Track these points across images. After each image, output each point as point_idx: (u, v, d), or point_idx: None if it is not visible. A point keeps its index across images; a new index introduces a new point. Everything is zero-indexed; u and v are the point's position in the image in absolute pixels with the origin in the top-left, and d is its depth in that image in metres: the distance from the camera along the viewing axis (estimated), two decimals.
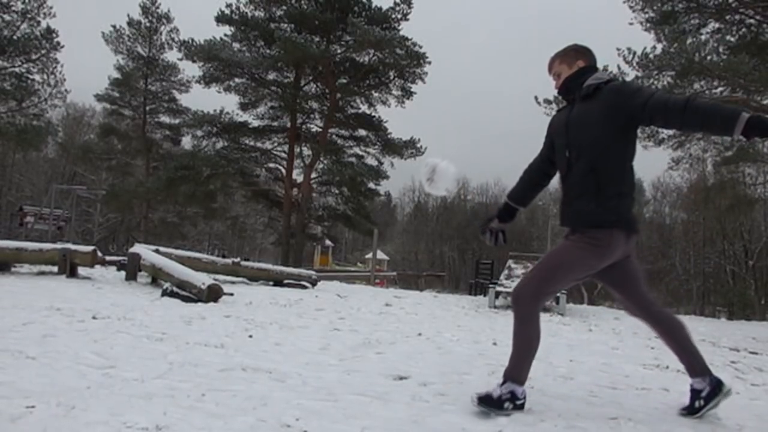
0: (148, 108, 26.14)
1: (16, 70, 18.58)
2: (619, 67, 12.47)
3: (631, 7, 12.61)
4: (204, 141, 22.85)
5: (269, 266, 9.87)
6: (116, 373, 2.54)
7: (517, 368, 2.34)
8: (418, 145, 22.03)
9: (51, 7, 18.51)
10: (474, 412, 2.24)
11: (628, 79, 12.42)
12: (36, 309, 4.30)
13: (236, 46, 21.62)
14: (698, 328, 7.13)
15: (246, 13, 21.58)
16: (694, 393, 2.40)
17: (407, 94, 22.17)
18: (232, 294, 6.13)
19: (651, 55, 12.03)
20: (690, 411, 2.40)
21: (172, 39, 24.95)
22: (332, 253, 38.65)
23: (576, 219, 2.34)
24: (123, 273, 7.72)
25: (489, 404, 2.23)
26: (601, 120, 2.28)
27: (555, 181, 2.65)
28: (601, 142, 2.27)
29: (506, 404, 2.26)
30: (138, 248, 7.77)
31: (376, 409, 2.25)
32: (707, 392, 2.35)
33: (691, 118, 2.11)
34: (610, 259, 2.32)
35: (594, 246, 2.28)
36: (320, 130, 22.84)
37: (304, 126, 23.31)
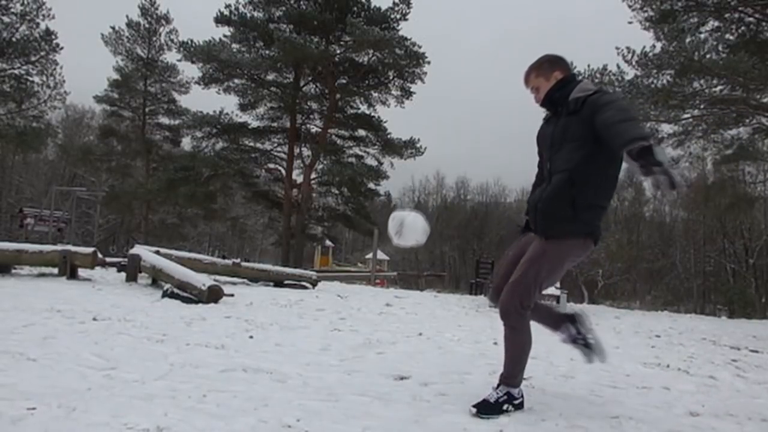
0: (147, 109, 26.13)
1: (16, 71, 18.55)
2: (618, 66, 12.49)
3: (630, 6, 12.61)
4: (204, 142, 22.87)
5: (269, 267, 9.87)
6: (117, 374, 2.54)
7: (513, 373, 2.35)
8: (418, 145, 22.05)
9: (50, 9, 18.50)
10: (474, 414, 2.24)
11: (627, 78, 12.44)
12: (36, 311, 4.30)
13: (235, 46, 21.62)
14: (699, 326, 7.13)
15: (245, 13, 21.59)
16: (574, 339, 2.54)
17: (407, 94, 22.18)
18: (232, 295, 6.14)
19: (650, 54, 12.02)
20: (586, 344, 2.57)
21: (172, 40, 24.96)
22: (332, 254, 38.60)
23: (553, 228, 2.29)
24: (123, 274, 7.72)
25: (488, 410, 2.24)
26: (582, 134, 2.25)
27: None
28: (582, 156, 2.24)
29: (505, 406, 2.27)
30: (138, 249, 7.77)
31: (377, 409, 2.25)
32: (578, 328, 2.55)
33: (611, 141, 2.05)
34: (577, 262, 2.46)
35: (571, 249, 2.32)
36: (320, 130, 22.84)
37: (303, 126, 23.31)
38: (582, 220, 2.27)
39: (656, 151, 1.85)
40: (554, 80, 2.39)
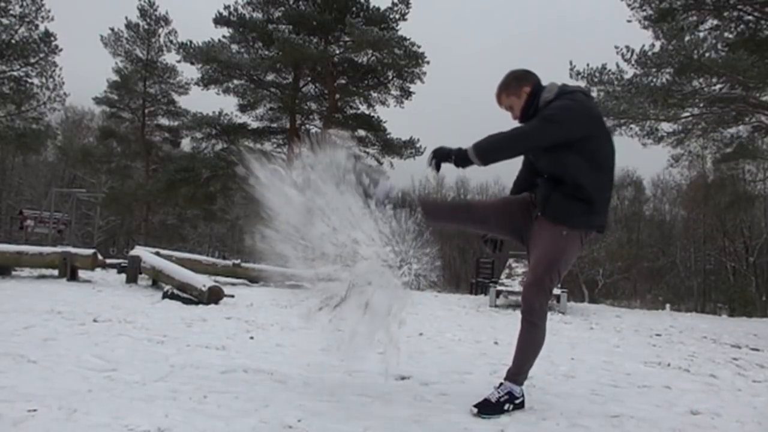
0: (147, 110, 26.14)
1: (15, 73, 18.56)
2: (617, 65, 12.50)
3: (629, 5, 12.63)
4: (203, 143, 22.87)
5: (270, 267, 9.87)
6: (118, 375, 2.54)
7: (521, 370, 2.37)
8: (418, 145, 22.03)
9: (49, 11, 18.50)
10: (475, 414, 2.24)
11: (627, 77, 12.45)
12: (37, 312, 4.30)
13: (235, 47, 21.63)
14: (699, 325, 7.13)
15: (244, 14, 21.59)
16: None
17: (406, 94, 22.18)
18: (232, 296, 6.14)
19: (649, 53, 12.04)
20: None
21: (171, 41, 24.95)
22: None
23: (559, 219, 2.32)
24: (123, 276, 7.73)
25: (489, 410, 2.24)
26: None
27: None
28: (572, 159, 2.26)
29: (506, 406, 2.27)
30: (138, 251, 7.78)
31: (378, 409, 2.25)
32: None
33: None
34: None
35: (580, 238, 2.36)
36: (319, 130, 22.84)
37: (303, 127, 23.31)
38: (591, 214, 2.31)
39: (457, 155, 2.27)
40: (525, 95, 2.40)
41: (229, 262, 9.02)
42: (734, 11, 12.50)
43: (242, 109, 22.98)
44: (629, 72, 12.47)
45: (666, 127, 14.04)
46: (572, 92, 2.33)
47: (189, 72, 30.60)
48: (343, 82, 22.22)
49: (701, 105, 12.85)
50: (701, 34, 12.23)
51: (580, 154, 2.25)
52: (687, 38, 11.57)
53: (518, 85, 2.42)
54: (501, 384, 2.34)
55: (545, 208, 2.35)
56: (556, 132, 2.24)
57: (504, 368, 2.45)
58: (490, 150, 2.26)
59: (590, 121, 2.29)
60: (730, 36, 12.61)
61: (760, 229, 27.56)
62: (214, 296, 5.73)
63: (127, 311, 4.73)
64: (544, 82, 2.44)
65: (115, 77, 25.21)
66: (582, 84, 12.65)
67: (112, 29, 24.85)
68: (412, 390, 2.60)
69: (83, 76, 27.74)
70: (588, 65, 12.58)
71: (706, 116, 13.48)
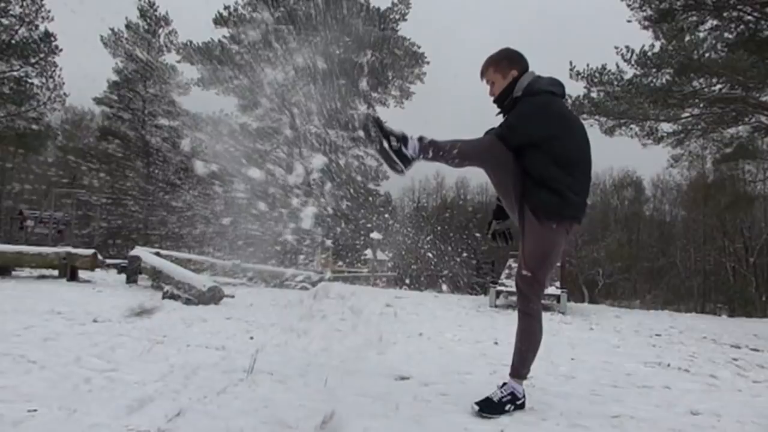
0: (147, 111, 26.15)
1: (15, 74, 18.59)
2: (617, 66, 12.51)
3: (629, 5, 12.62)
4: (204, 143, 22.88)
5: (270, 268, 9.87)
6: (118, 376, 2.54)
7: (524, 365, 2.38)
8: None
9: (49, 11, 18.55)
10: (476, 411, 2.25)
11: (626, 77, 12.45)
12: (37, 313, 4.30)
13: (234, 48, 21.65)
14: (699, 325, 7.13)
15: (244, 14, 21.62)
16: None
17: (406, 94, 22.21)
18: (232, 296, 6.14)
19: (649, 53, 12.05)
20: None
21: (171, 42, 24.98)
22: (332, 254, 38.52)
23: (550, 212, 2.31)
24: (123, 276, 7.73)
25: (491, 409, 2.24)
26: None
27: None
28: (530, 159, 2.29)
29: (507, 406, 2.28)
30: (138, 251, 7.77)
31: (378, 410, 2.25)
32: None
33: None
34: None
35: (566, 230, 2.36)
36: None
37: (304, 127, 23.32)
38: (569, 205, 2.29)
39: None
40: (510, 78, 2.41)
41: (229, 263, 9.03)
42: (734, 11, 12.49)
43: (242, 109, 23.00)
44: (629, 72, 12.50)
45: (666, 127, 14.06)
46: (535, 94, 2.33)
47: (189, 72, 30.65)
48: (343, 82, 22.24)
49: (701, 105, 12.86)
50: (701, 35, 12.25)
51: (545, 154, 2.28)
52: (687, 38, 11.59)
53: (509, 66, 2.43)
54: (504, 384, 2.35)
55: (536, 206, 2.34)
56: (515, 139, 2.29)
57: (504, 368, 2.45)
58: None
59: (551, 124, 2.29)
60: (730, 36, 12.61)
61: (760, 229, 27.55)
62: (214, 296, 5.73)
63: (127, 311, 4.72)
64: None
65: (115, 77, 25.23)
66: (582, 84, 12.67)
67: (112, 29, 24.88)
68: (412, 390, 2.60)
69: (83, 76, 27.75)
70: (588, 65, 12.60)
71: (706, 116, 13.49)
